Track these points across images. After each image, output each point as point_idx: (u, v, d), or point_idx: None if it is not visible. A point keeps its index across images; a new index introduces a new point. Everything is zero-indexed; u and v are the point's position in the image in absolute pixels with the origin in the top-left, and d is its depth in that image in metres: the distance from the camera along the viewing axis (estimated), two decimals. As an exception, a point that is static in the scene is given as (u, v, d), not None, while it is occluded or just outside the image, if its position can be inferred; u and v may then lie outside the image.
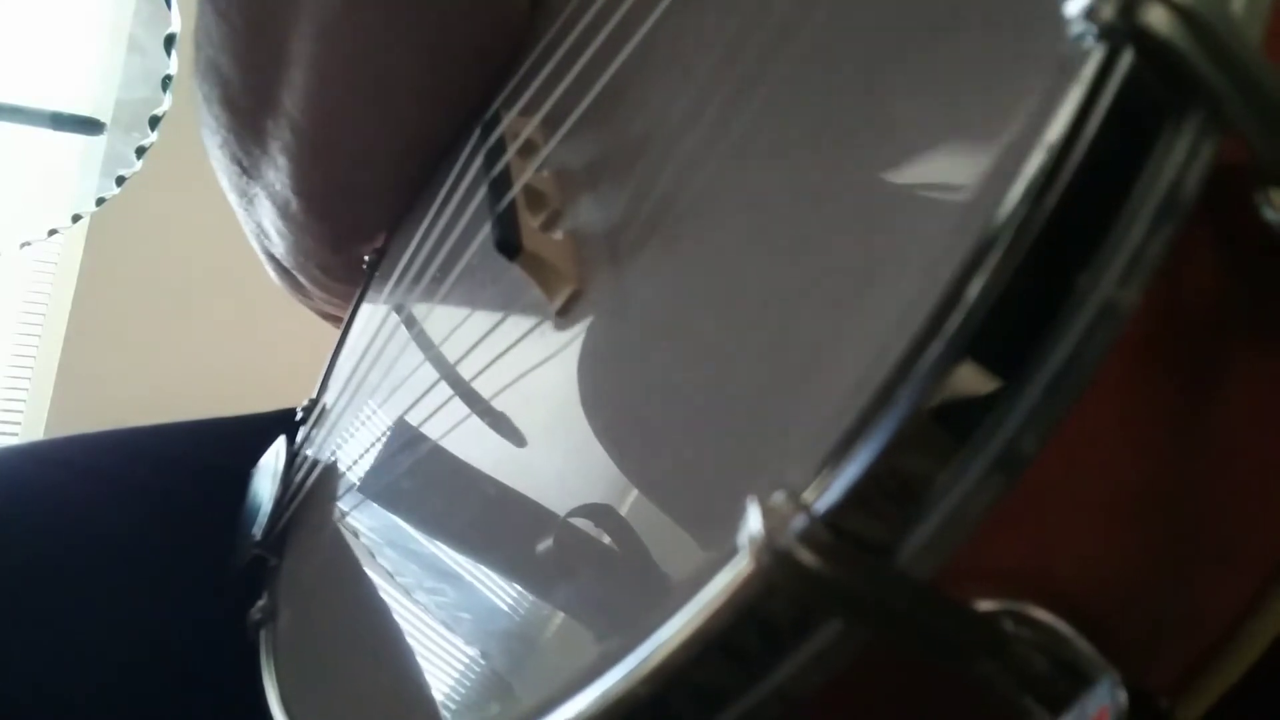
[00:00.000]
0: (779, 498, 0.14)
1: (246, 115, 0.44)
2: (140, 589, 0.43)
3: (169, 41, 0.56)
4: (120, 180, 0.60)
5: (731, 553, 0.14)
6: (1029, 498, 0.14)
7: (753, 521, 0.14)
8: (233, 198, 0.49)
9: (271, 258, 0.52)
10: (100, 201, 0.60)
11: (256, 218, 0.49)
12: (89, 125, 0.64)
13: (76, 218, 0.60)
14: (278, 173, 0.45)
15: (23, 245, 0.59)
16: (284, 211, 0.46)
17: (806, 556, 0.13)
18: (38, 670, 0.39)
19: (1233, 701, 0.16)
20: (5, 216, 0.62)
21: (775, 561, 0.13)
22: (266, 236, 0.50)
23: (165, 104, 0.58)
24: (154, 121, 0.58)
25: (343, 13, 0.39)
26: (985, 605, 0.14)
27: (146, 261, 1.90)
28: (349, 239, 0.48)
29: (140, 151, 0.59)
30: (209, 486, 0.46)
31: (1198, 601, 0.16)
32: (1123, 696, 0.13)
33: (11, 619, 0.40)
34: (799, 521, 0.13)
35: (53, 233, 0.60)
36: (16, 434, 1.88)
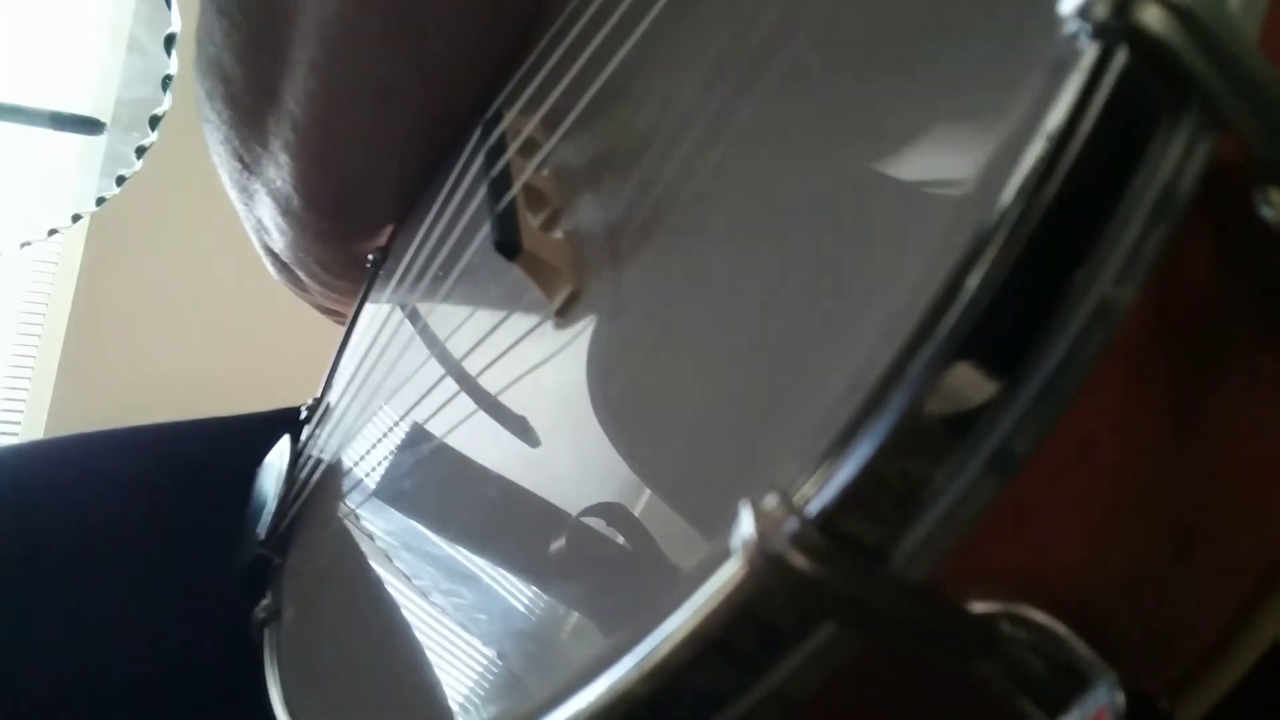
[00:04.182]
0: (771, 500, 0.14)
1: (248, 112, 0.44)
2: (141, 588, 0.43)
3: (169, 41, 0.56)
4: (120, 180, 0.60)
5: (727, 554, 0.14)
6: (1024, 498, 0.14)
7: (745, 524, 0.14)
8: (233, 194, 0.50)
9: (271, 253, 0.52)
10: (100, 201, 0.61)
11: (257, 214, 0.49)
12: (89, 125, 0.64)
13: (76, 218, 0.60)
14: (278, 169, 0.45)
15: (23, 245, 0.59)
16: (285, 208, 0.46)
17: (799, 560, 0.13)
18: (38, 669, 0.39)
19: (1234, 703, 0.16)
20: (5, 216, 0.62)
21: (767, 565, 0.13)
22: (266, 232, 0.50)
23: (165, 104, 0.58)
24: (154, 121, 0.58)
25: (343, 13, 0.39)
26: (981, 607, 0.14)
27: (146, 261, 1.91)
28: (349, 236, 0.48)
29: (140, 151, 0.59)
30: (209, 486, 0.46)
31: (1197, 602, 0.16)
32: (1121, 698, 0.13)
33: (12, 618, 0.40)
34: (791, 524, 0.13)
35: (53, 233, 0.60)
36: (16, 434, 1.88)
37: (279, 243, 0.49)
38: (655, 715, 0.15)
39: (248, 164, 0.46)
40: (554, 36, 0.34)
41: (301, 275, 0.52)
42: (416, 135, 0.43)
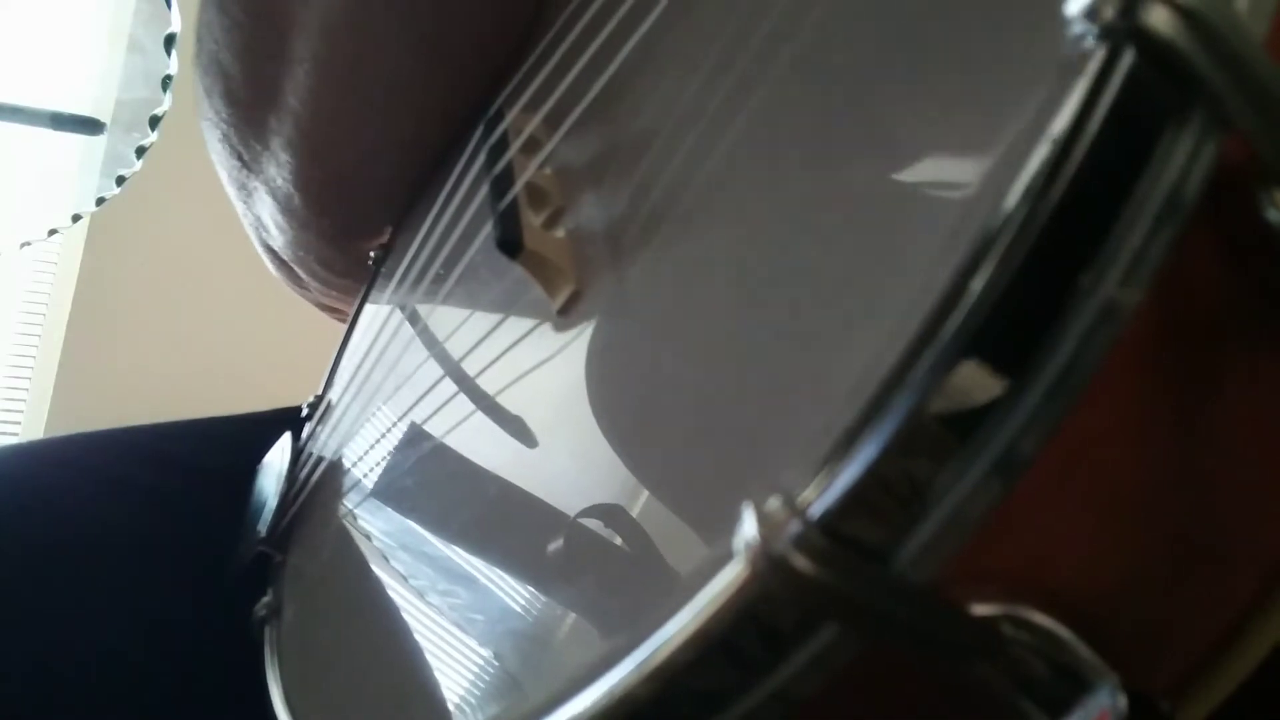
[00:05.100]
0: (774, 502, 0.14)
1: (247, 109, 0.44)
2: (141, 588, 0.42)
3: (169, 41, 0.56)
4: (120, 180, 0.60)
5: (729, 556, 0.14)
6: (1028, 500, 0.14)
7: (747, 526, 0.14)
8: (231, 191, 0.49)
9: (270, 250, 0.52)
10: (100, 201, 0.60)
11: (255, 211, 0.49)
12: (89, 125, 0.64)
13: (76, 218, 0.60)
14: (279, 168, 0.45)
15: (23, 245, 0.59)
16: (285, 206, 0.46)
17: (801, 562, 0.13)
18: (39, 670, 0.39)
19: (1236, 704, 0.16)
20: (5, 216, 0.62)
21: (770, 567, 0.13)
22: (265, 230, 0.50)
23: (165, 104, 0.58)
24: (154, 121, 0.58)
25: (346, 9, 0.39)
26: (983, 609, 0.14)
27: (146, 261, 1.90)
28: (350, 235, 0.48)
29: (140, 151, 0.59)
30: (209, 486, 0.46)
31: (1199, 603, 0.16)
32: (1123, 700, 0.13)
33: (12, 619, 0.40)
34: (794, 526, 0.13)
35: (53, 233, 0.60)
36: (16, 434, 1.88)
37: (278, 240, 0.49)
38: (657, 716, 0.15)
39: (246, 162, 0.46)
40: (556, 34, 0.34)
41: (301, 273, 0.52)
42: (421, 133, 0.43)
